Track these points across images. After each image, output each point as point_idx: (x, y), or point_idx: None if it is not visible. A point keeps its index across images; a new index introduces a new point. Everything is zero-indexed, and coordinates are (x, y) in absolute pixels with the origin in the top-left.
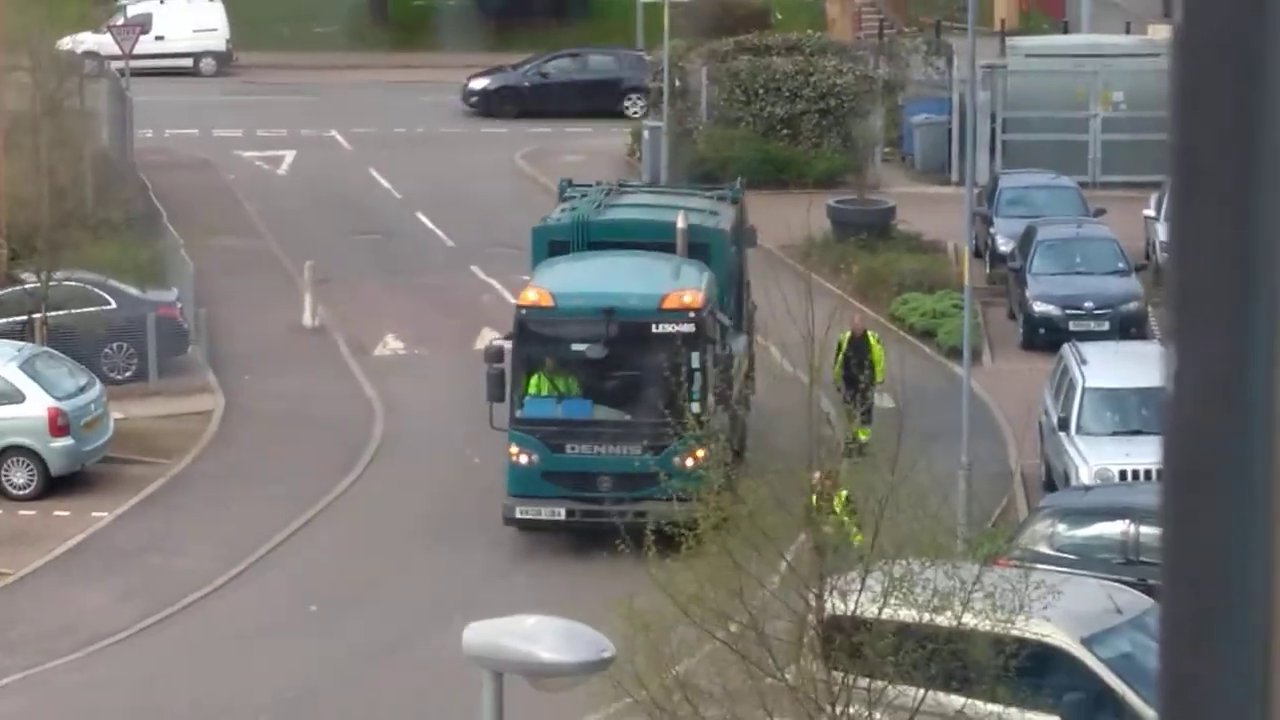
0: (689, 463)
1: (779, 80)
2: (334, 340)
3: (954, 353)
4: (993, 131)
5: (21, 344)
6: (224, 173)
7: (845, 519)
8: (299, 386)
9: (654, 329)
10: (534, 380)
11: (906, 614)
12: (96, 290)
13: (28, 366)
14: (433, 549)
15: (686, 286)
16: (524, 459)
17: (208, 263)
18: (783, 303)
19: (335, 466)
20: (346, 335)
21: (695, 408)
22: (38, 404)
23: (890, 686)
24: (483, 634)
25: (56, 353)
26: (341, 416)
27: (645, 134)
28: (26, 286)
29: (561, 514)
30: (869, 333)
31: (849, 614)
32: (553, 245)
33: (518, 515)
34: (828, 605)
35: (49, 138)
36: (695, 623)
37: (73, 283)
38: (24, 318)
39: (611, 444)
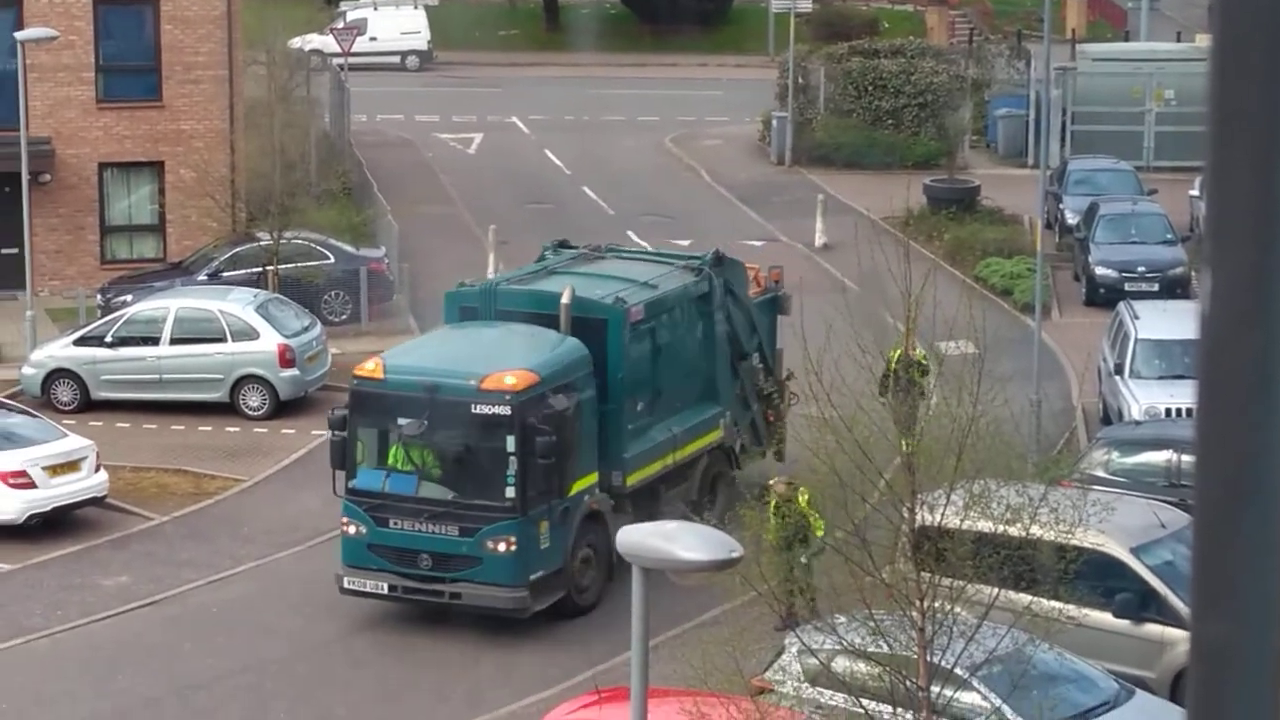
0: (500, 548)
1: (885, 78)
2: None
3: (1027, 308)
4: (1063, 123)
5: (257, 291)
6: (424, 151)
7: (809, 514)
8: None
9: (473, 409)
10: (365, 452)
11: (983, 525)
12: (318, 247)
13: (262, 310)
14: None
15: (515, 368)
16: (352, 530)
17: (410, 226)
18: (885, 264)
19: None
20: None
21: (510, 493)
22: (270, 341)
23: (969, 585)
24: (632, 535)
25: (285, 299)
26: None
27: (774, 122)
28: (261, 243)
29: (384, 588)
30: (919, 351)
31: (936, 524)
32: (463, 310)
33: (345, 585)
34: (918, 516)
35: (281, 120)
36: (810, 530)
37: (299, 241)
38: (259, 269)
39: (431, 522)
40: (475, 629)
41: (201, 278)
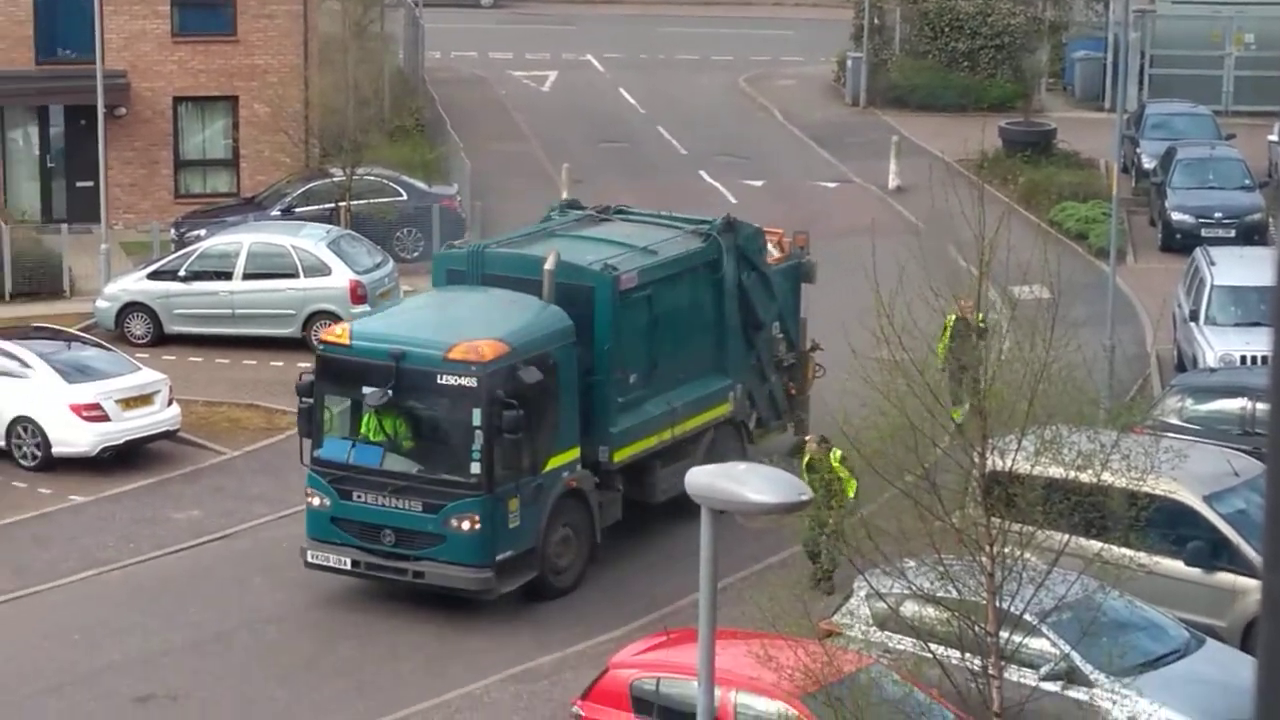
0: (464, 526)
1: (962, 20)
2: None
3: (1102, 253)
4: (1141, 66)
5: (329, 227)
6: (497, 89)
7: (841, 473)
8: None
9: (438, 380)
10: (331, 421)
11: (1054, 471)
12: (391, 184)
13: (334, 246)
14: None
15: (485, 338)
16: (315, 501)
17: (482, 163)
18: (959, 206)
19: None
20: None
21: (475, 469)
22: (341, 277)
23: (1039, 531)
24: (702, 477)
25: (357, 235)
26: None
27: (849, 63)
28: (334, 179)
29: (347, 563)
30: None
31: (1006, 469)
32: (450, 274)
33: (309, 559)
34: (989, 461)
35: (355, 56)
36: (878, 473)
37: (371, 177)
38: (331, 205)
39: (395, 497)
40: None
41: (274, 213)
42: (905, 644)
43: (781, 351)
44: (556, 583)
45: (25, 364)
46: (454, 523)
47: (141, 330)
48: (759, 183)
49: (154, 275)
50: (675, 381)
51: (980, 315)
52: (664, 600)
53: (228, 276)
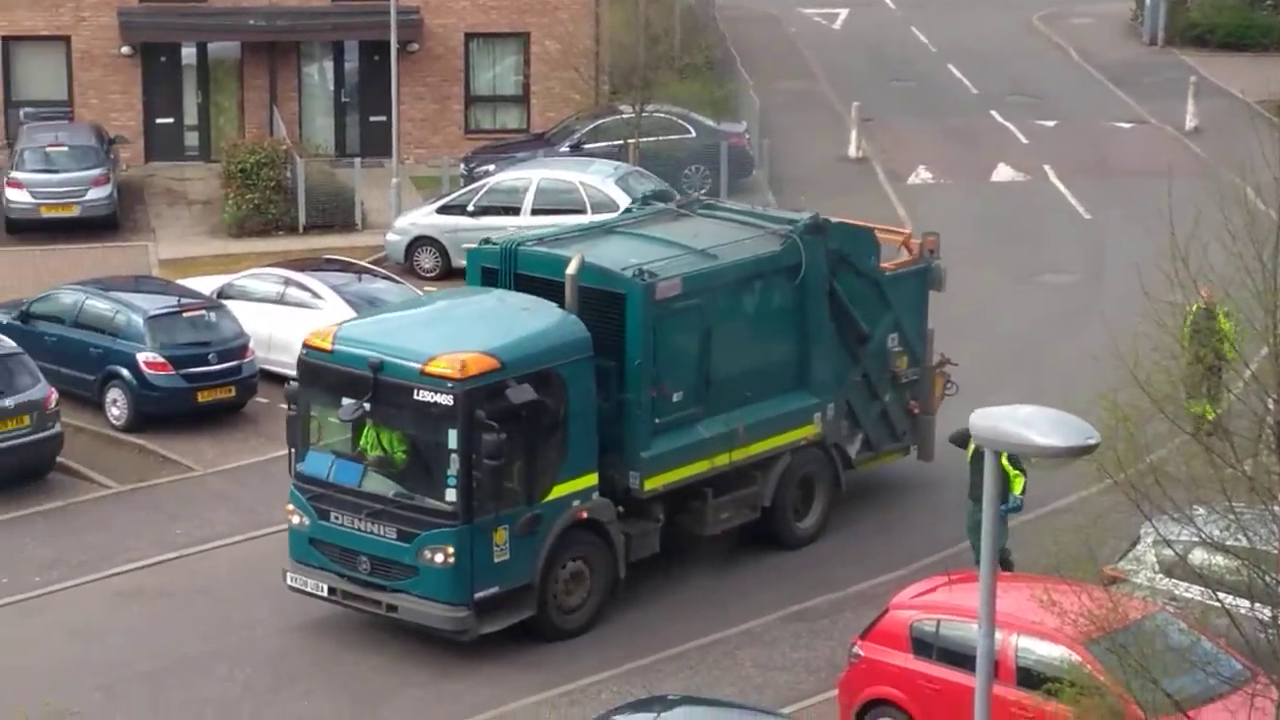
0: (437, 559)
1: None
2: (873, 169)
3: None
4: None
5: (617, 164)
6: (787, 27)
7: (1009, 470)
8: (842, 207)
9: (415, 395)
10: (314, 432)
11: None
12: (680, 121)
13: (622, 182)
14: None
15: (475, 350)
16: (295, 520)
17: (771, 101)
18: (1259, 150)
19: None
20: (884, 165)
21: (450, 496)
22: None
23: None
24: (986, 419)
25: (645, 172)
26: None
27: (1147, 1)
28: (623, 116)
29: (324, 589)
30: (1219, 306)
31: None
32: (484, 271)
33: (289, 582)
34: None
35: None
36: (1169, 417)
37: (660, 114)
38: (620, 142)
39: (371, 521)
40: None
41: (563, 149)
42: (1193, 592)
43: (900, 366)
44: (562, 623)
45: (317, 295)
46: (427, 554)
47: (430, 264)
48: (1051, 123)
49: (443, 210)
50: (738, 400)
51: (1223, 309)
52: (948, 541)
53: (515, 212)
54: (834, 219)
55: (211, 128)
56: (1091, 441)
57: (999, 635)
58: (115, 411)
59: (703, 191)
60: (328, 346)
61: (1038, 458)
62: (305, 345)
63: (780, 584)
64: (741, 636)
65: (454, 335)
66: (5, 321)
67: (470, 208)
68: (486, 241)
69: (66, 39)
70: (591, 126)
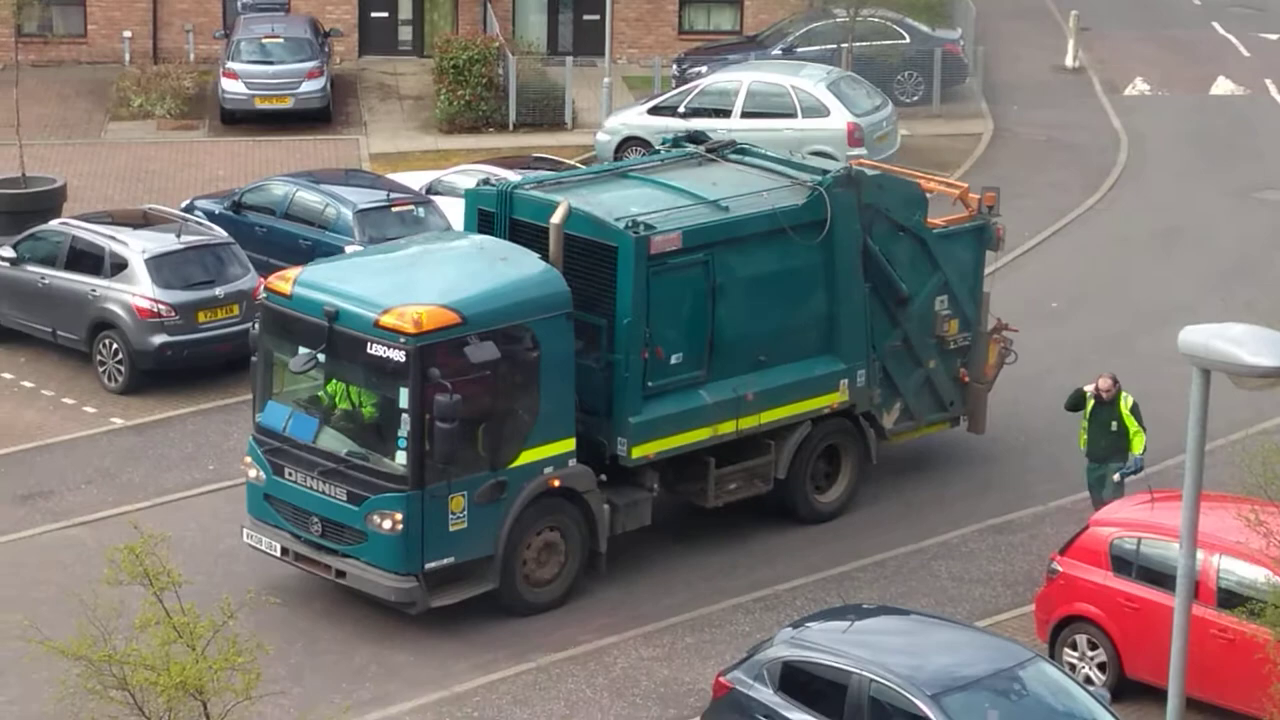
0: (385, 525)
1: None
2: (1089, 79)
3: None
4: None
5: (829, 68)
6: None
7: (1130, 424)
8: (1056, 117)
9: (368, 349)
10: (274, 382)
11: None
12: (894, 26)
13: (834, 87)
14: (1166, 258)
15: (435, 302)
16: (252, 473)
17: (987, 6)
18: None
19: (1082, 187)
20: (1101, 76)
21: (400, 458)
22: (839, 119)
23: None
24: (1196, 336)
25: (858, 77)
26: (1091, 145)
27: None
28: (837, 20)
29: (277, 549)
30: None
31: None
32: (481, 214)
33: (245, 538)
34: None
35: None
36: None
37: (875, 19)
38: (833, 46)
39: (321, 480)
40: None
41: (776, 52)
42: None
43: (949, 331)
44: (532, 597)
45: None
46: (375, 519)
47: None
48: (1274, 36)
49: (654, 110)
50: (749, 365)
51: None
52: (1154, 458)
53: (726, 114)
54: (875, 169)
55: (425, 23)
56: None
57: (1200, 555)
58: None
59: (915, 100)
60: (287, 290)
61: (1247, 376)
62: (265, 288)
63: (982, 496)
64: (939, 548)
65: (418, 284)
66: (218, 211)
67: (681, 109)
68: (485, 182)
69: None
70: (805, 30)
